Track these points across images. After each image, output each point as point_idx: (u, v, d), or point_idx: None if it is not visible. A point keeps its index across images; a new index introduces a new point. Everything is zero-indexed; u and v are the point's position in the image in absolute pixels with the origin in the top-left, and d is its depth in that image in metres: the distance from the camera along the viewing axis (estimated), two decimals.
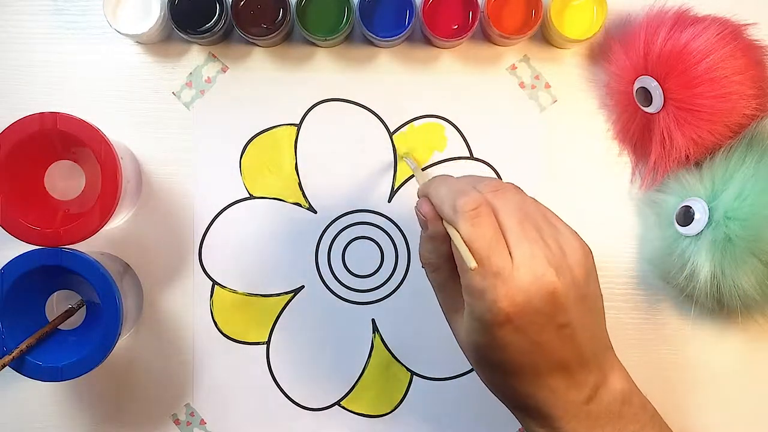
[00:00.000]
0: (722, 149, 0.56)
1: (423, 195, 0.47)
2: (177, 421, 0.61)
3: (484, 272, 0.40)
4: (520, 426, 0.61)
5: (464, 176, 0.46)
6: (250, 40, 0.58)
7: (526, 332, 0.41)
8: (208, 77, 0.61)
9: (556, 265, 0.41)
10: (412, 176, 0.61)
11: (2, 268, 0.53)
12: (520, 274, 0.40)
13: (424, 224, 0.46)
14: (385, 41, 0.57)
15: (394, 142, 0.61)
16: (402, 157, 0.60)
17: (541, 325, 0.41)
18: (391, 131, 0.61)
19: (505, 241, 0.41)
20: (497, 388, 0.46)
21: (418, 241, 0.47)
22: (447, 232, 0.44)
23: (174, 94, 0.61)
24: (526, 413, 0.45)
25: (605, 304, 0.61)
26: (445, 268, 0.46)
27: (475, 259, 0.41)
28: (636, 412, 0.46)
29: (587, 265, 0.43)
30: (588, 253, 0.43)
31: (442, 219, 0.44)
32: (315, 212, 0.61)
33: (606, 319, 0.60)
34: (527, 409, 0.44)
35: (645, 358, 0.61)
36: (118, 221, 0.59)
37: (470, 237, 0.41)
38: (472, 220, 0.41)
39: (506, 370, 0.43)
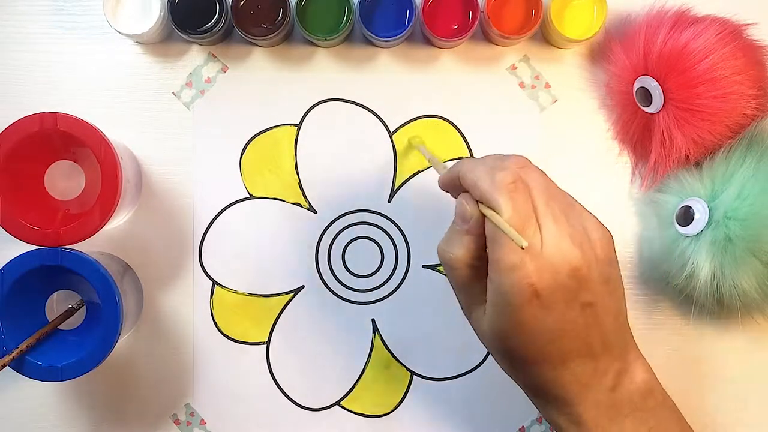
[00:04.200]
0: (722, 149, 0.56)
1: (450, 180, 0.47)
2: (177, 421, 0.61)
3: (516, 247, 0.41)
4: (520, 425, 0.61)
5: (489, 155, 0.46)
6: (250, 40, 0.58)
7: (552, 310, 0.41)
8: (208, 77, 0.61)
9: (579, 244, 0.42)
10: (412, 176, 0.61)
11: (2, 268, 0.53)
12: (548, 250, 0.41)
13: (463, 216, 0.45)
14: (385, 41, 0.57)
15: (394, 142, 0.61)
16: (414, 146, 0.59)
17: (567, 303, 0.41)
18: (391, 131, 0.61)
19: (535, 218, 0.42)
20: (519, 377, 0.45)
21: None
22: (482, 219, 0.43)
23: (174, 94, 0.61)
24: (546, 400, 0.45)
25: None
26: (469, 266, 0.45)
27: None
28: (657, 405, 0.45)
29: (609, 247, 0.43)
30: (610, 237, 0.44)
31: (477, 203, 0.44)
32: (315, 212, 0.61)
33: None
34: (548, 396, 0.44)
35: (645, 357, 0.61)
36: (118, 221, 0.59)
37: (510, 211, 0.41)
38: (510, 194, 0.42)
39: (529, 355, 0.43)
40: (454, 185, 0.47)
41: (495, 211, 0.42)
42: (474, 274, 0.45)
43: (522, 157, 0.45)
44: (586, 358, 0.43)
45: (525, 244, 0.40)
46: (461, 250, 0.45)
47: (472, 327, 0.47)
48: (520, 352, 0.43)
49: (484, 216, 0.43)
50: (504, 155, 0.45)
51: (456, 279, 0.46)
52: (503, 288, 0.41)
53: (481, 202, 0.43)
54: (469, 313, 0.47)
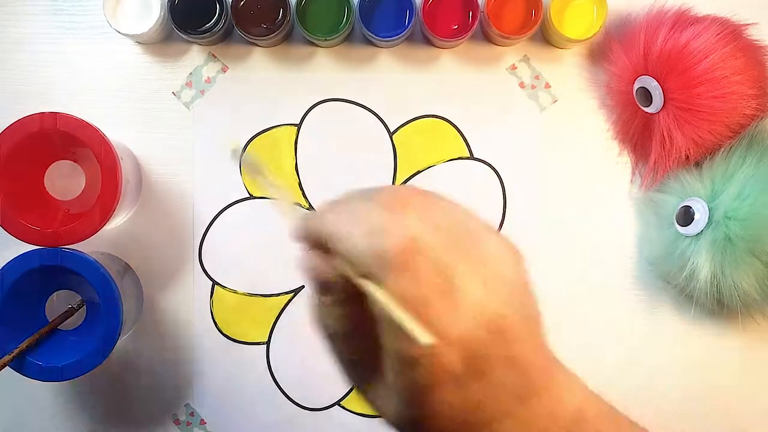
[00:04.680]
0: (722, 149, 0.56)
1: (310, 239, 0.37)
2: (177, 421, 0.61)
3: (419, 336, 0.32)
4: None
5: (352, 196, 0.37)
6: (250, 40, 0.58)
7: (473, 381, 0.34)
8: (208, 77, 0.61)
9: (494, 289, 0.34)
10: (413, 176, 0.61)
11: (2, 268, 0.53)
12: (460, 323, 0.32)
13: (323, 287, 0.35)
14: (385, 41, 0.57)
15: (394, 142, 0.61)
16: (247, 166, 0.41)
17: (489, 366, 0.34)
18: (391, 131, 0.61)
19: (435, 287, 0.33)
20: None
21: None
22: (357, 291, 0.33)
23: (174, 94, 0.61)
24: None
25: (605, 304, 0.61)
26: (358, 334, 0.35)
27: (405, 313, 0.31)
28: (599, 424, 0.39)
29: (520, 269, 0.36)
30: (518, 257, 0.36)
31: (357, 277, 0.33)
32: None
33: (597, 320, 0.61)
34: None
35: (644, 358, 0.61)
36: (118, 221, 0.59)
37: (405, 294, 0.32)
38: (403, 272, 0.32)
39: None
40: (317, 244, 0.37)
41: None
42: (367, 344, 0.35)
43: (394, 190, 0.36)
44: (516, 413, 0.35)
45: (428, 341, 0.31)
46: (340, 322, 0.35)
47: (372, 406, 0.37)
48: None
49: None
50: (370, 193, 0.36)
51: (341, 354, 0.37)
52: (407, 383, 0.33)
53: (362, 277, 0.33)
54: (366, 391, 0.37)
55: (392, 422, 0.36)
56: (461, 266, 0.33)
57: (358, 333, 0.36)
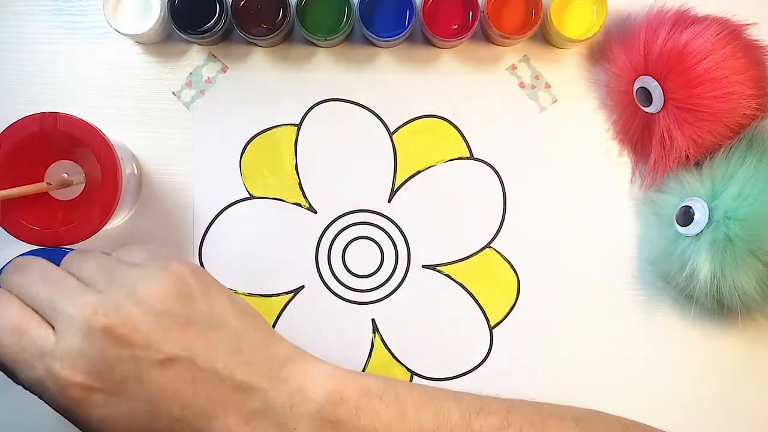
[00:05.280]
0: (722, 149, 0.56)
1: None
2: None
3: (28, 360, 0.34)
4: None
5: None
6: (250, 40, 0.58)
7: (122, 391, 0.34)
8: (208, 77, 0.61)
9: (106, 305, 0.35)
10: (412, 176, 0.61)
11: (2, 268, 0.53)
12: (66, 335, 0.34)
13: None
14: (385, 41, 0.57)
15: (394, 142, 0.61)
16: None
17: (134, 372, 0.34)
18: (391, 131, 0.61)
19: (40, 317, 0.36)
20: None
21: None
22: None
23: (174, 94, 0.61)
24: None
25: (605, 304, 0.61)
26: None
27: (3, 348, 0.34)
28: (365, 404, 0.38)
29: (168, 292, 0.37)
30: (166, 282, 0.37)
31: None
32: (315, 212, 0.61)
33: (597, 320, 0.61)
34: None
35: (644, 358, 0.61)
36: (118, 221, 0.59)
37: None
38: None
39: None
40: None
41: None
42: None
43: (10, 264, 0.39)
44: (224, 412, 0.35)
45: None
46: None
47: None
48: None
49: None
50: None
51: None
52: (55, 405, 0.36)
53: None
54: None
55: None
56: (66, 296, 0.37)
57: None
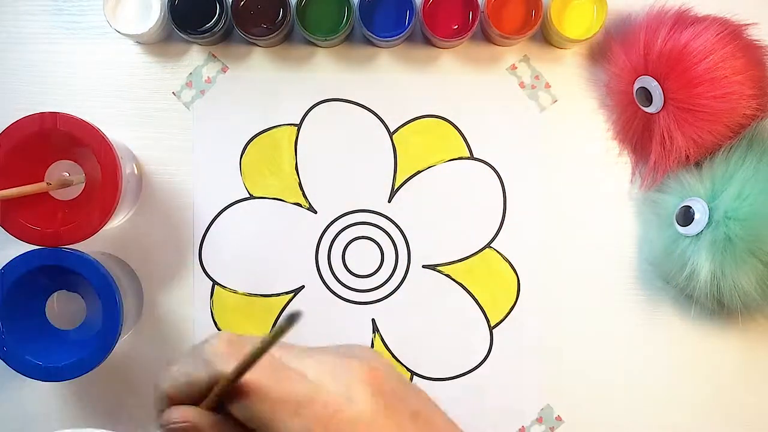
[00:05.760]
0: (722, 149, 0.56)
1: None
2: None
3: (294, 409, 0.33)
4: (520, 425, 0.61)
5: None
6: (250, 40, 0.58)
7: None
8: (208, 77, 0.61)
9: (351, 357, 0.35)
10: (412, 176, 0.61)
11: (2, 268, 0.53)
12: (327, 381, 0.34)
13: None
14: (385, 41, 0.57)
15: (394, 142, 0.61)
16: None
17: (398, 416, 0.34)
18: (391, 131, 0.61)
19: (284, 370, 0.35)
20: None
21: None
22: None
23: (174, 94, 0.61)
24: None
25: (605, 304, 0.61)
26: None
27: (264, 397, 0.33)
28: None
29: (383, 360, 0.37)
30: (375, 353, 0.38)
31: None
32: (315, 212, 0.61)
33: (597, 320, 0.61)
34: None
35: (645, 358, 0.61)
36: (118, 221, 0.59)
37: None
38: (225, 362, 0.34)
39: None
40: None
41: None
42: None
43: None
44: None
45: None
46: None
47: None
48: None
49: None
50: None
51: None
52: None
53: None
54: None
55: None
56: (303, 356, 0.36)
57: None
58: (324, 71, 0.61)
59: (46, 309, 0.58)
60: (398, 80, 0.61)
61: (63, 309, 0.58)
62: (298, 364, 0.35)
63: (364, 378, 0.35)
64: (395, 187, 0.61)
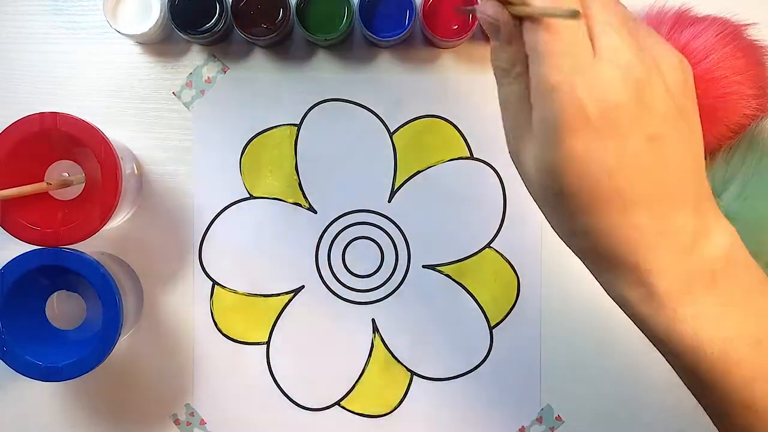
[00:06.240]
0: (722, 149, 0.56)
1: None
2: (177, 421, 0.61)
3: (560, 63, 0.34)
4: (520, 425, 0.61)
5: None
6: (250, 40, 0.58)
7: (608, 138, 0.34)
8: (208, 77, 0.61)
9: (643, 61, 0.35)
10: (413, 176, 0.61)
11: (2, 268, 0.53)
12: (602, 65, 0.34)
13: (492, 28, 0.38)
14: (385, 41, 0.57)
15: (394, 142, 0.61)
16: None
17: (627, 130, 0.34)
18: (391, 131, 0.61)
19: (588, 29, 0.35)
20: (573, 235, 0.38)
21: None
22: (514, 24, 0.37)
23: (174, 94, 0.61)
24: (608, 264, 0.36)
25: (605, 303, 0.61)
26: (518, 80, 0.38)
27: (548, 43, 0.34)
28: (743, 275, 0.38)
29: (685, 74, 0.37)
30: (687, 64, 0.37)
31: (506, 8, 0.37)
32: (315, 212, 0.61)
33: (597, 320, 0.61)
34: (610, 258, 0.36)
35: (646, 358, 0.61)
36: (118, 221, 0.59)
37: (546, 11, 0.34)
38: None
39: (583, 198, 0.35)
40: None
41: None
42: (523, 93, 0.37)
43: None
44: (654, 207, 0.35)
45: (573, 9, 0.33)
46: (505, 63, 0.38)
47: (520, 175, 0.40)
48: (571, 195, 0.35)
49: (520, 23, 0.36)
50: None
51: (503, 96, 0.39)
52: (546, 112, 0.35)
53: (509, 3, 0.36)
54: (516, 151, 0.39)
55: (535, 187, 0.38)
56: (615, 28, 0.35)
57: (518, 74, 0.37)
58: (324, 71, 0.61)
59: (46, 309, 0.58)
60: (398, 80, 0.61)
61: (63, 309, 0.58)
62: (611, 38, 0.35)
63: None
64: (395, 187, 0.61)
